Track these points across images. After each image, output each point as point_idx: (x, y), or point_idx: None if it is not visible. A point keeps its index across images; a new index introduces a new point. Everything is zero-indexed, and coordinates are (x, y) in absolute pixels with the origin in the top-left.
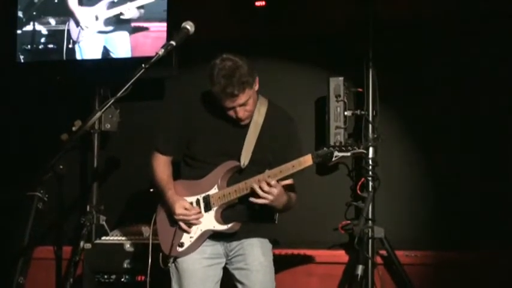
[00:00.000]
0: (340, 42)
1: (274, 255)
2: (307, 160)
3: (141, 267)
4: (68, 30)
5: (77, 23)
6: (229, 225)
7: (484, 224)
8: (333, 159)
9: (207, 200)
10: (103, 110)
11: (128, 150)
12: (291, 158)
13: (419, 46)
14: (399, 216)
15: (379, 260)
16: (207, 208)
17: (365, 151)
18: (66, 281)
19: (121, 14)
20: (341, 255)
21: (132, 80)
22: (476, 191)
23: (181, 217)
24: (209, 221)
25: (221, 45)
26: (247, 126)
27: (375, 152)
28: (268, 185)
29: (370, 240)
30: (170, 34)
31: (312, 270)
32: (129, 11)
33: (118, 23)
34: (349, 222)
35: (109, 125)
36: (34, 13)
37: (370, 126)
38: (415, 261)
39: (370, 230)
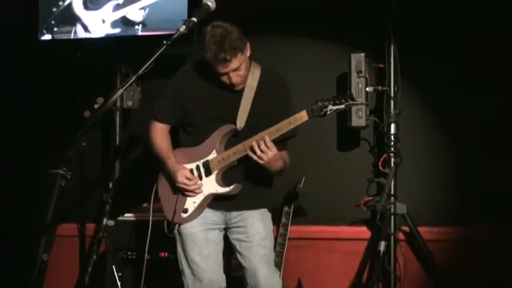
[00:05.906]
0: (362, 17)
1: (296, 231)
2: (302, 116)
3: (164, 244)
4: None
5: (85, 28)
6: (231, 187)
7: (508, 199)
8: (328, 112)
9: (206, 165)
10: (125, 87)
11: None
12: (286, 117)
13: (442, 20)
14: (421, 192)
15: (401, 236)
16: (208, 173)
17: (358, 101)
18: (89, 258)
19: (126, 14)
20: (363, 232)
21: (153, 57)
22: (499, 166)
23: (182, 186)
24: (211, 185)
25: (240, 19)
26: (241, 91)
27: (396, 128)
28: (265, 144)
29: (392, 217)
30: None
31: (334, 247)
32: (134, 13)
33: (126, 25)
34: (371, 198)
35: (131, 102)
36: (52, 22)
37: (392, 102)
38: (437, 237)
39: (392, 206)
